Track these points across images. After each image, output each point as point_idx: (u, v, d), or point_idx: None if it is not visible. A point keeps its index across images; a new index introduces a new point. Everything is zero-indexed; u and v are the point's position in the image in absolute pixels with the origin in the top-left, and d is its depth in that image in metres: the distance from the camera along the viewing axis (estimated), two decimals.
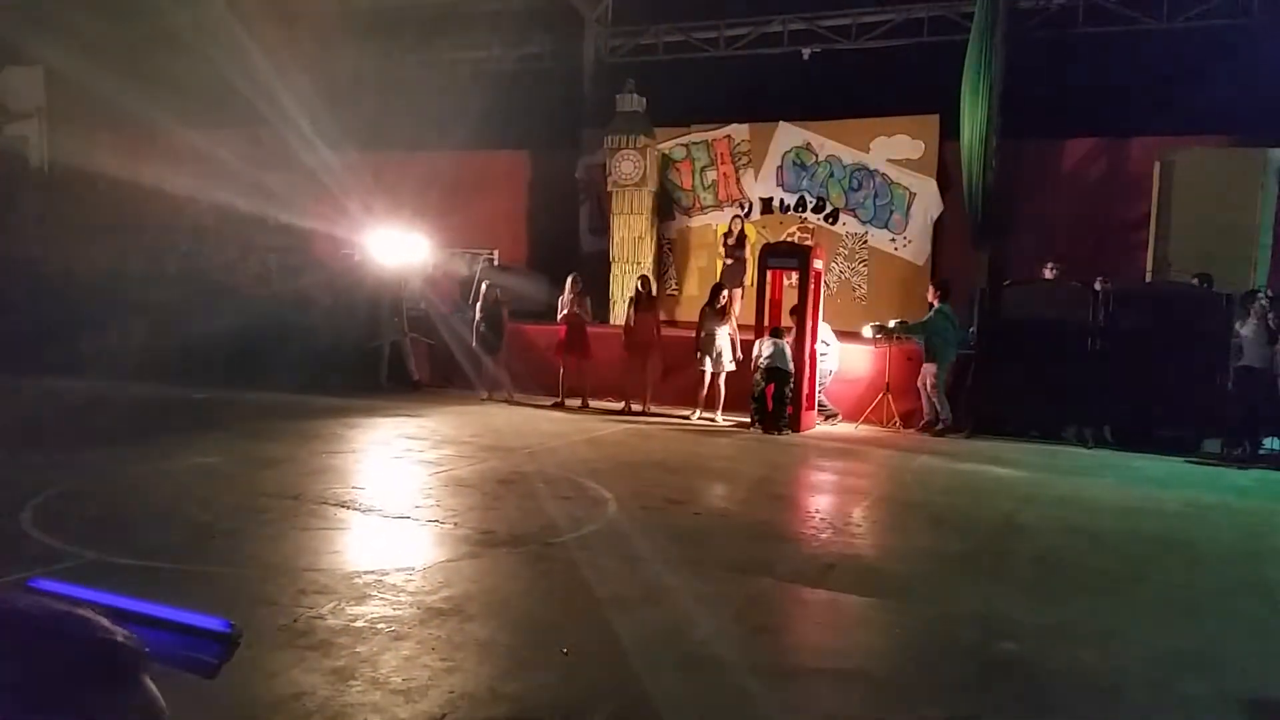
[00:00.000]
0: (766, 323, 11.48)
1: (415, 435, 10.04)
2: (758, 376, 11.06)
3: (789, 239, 13.97)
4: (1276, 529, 7.60)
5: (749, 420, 11.15)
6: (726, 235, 13.81)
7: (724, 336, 11.47)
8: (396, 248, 13.65)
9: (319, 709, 3.80)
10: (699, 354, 11.52)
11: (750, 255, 13.52)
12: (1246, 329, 10.20)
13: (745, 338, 11.69)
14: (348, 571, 5.54)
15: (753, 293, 12.20)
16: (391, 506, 7.09)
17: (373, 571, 5.49)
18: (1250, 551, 6.87)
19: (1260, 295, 10.37)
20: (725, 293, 12.07)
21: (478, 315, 12.60)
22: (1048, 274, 11.86)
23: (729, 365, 11.47)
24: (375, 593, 5.16)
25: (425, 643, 4.50)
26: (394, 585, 5.28)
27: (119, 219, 14.91)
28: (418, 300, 13.72)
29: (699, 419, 11.50)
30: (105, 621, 0.81)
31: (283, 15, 13.74)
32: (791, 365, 11.00)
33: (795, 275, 11.73)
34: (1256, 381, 9.95)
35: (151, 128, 14.48)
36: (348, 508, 6.99)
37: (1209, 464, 9.99)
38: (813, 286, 11.40)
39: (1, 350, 11.36)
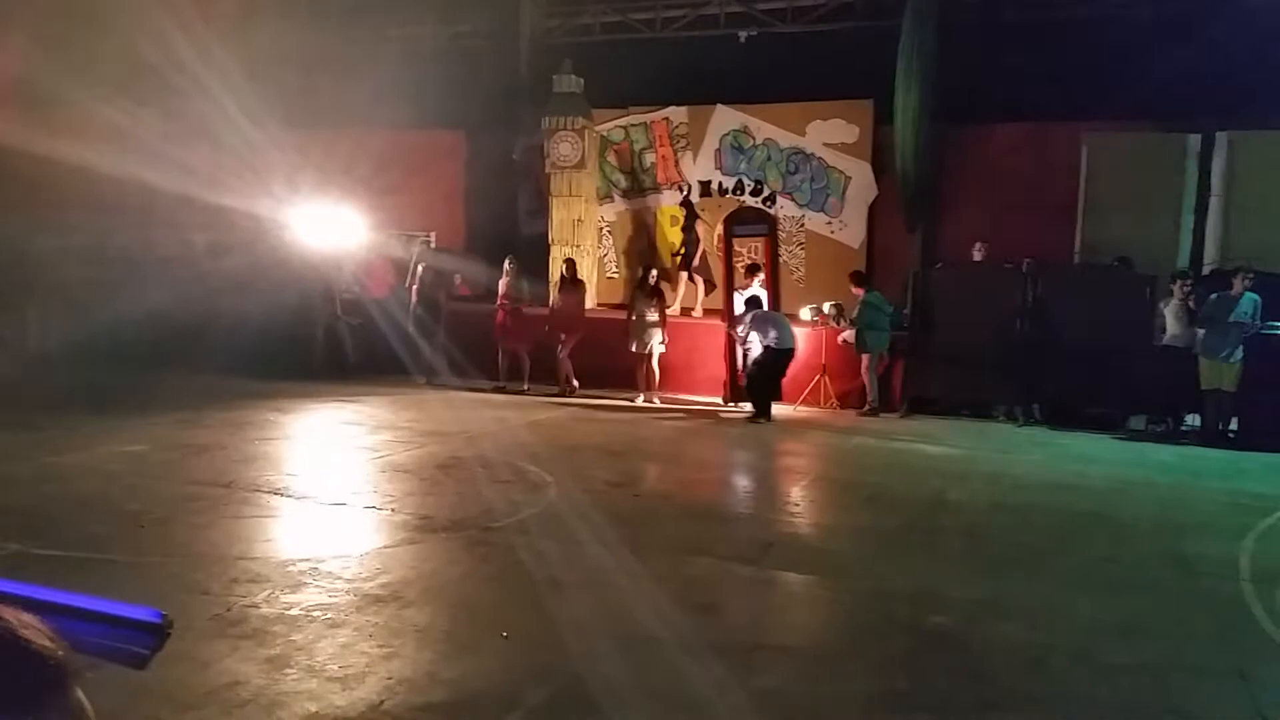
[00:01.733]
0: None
1: (351, 420, 9.90)
2: (760, 358, 10.73)
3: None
4: (1196, 503, 7.87)
5: (718, 404, 11.18)
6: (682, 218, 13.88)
7: (654, 317, 11.51)
8: (329, 228, 13.40)
9: (254, 697, 3.74)
10: (630, 335, 11.55)
11: (702, 237, 13.60)
12: (1169, 309, 10.54)
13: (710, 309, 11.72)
14: (282, 559, 5.45)
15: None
16: (327, 493, 6.99)
17: (308, 559, 5.42)
18: (1171, 525, 7.11)
19: (1181, 278, 10.71)
20: (655, 272, 12.09)
21: (413, 299, 12.45)
22: (976, 255, 12.13)
23: (659, 346, 11.53)
24: (311, 580, 5.09)
25: (362, 629, 4.46)
26: (330, 573, 5.21)
27: (33, 197, 14.38)
28: (351, 283, 13.49)
29: (643, 402, 11.53)
30: (31, 628, 0.77)
31: None
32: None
33: (760, 244, 11.86)
34: (1178, 360, 10.29)
35: (70, 104, 13.97)
36: (281, 495, 6.87)
37: (1134, 441, 10.31)
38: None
39: None
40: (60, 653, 0.76)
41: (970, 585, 5.53)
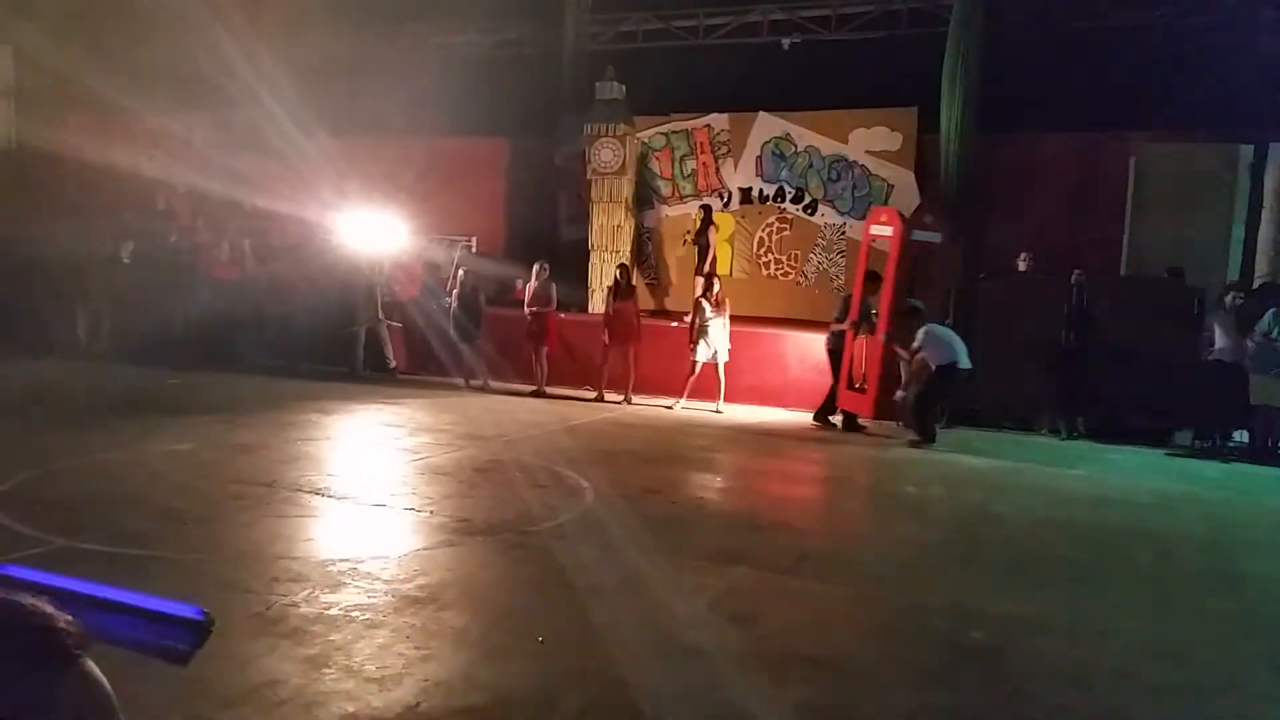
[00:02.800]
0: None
1: (391, 422, 9.99)
2: (932, 376, 9.94)
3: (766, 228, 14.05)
4: (1242, 521, 7.71)
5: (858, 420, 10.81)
6: (688, 231, 13.85)
7: (719, 327, 11.47)
8: (372, 233, 13.56)
9: (292, 696, 3.79)
10: (693, 344, 11.51)
11: (714, 243, 13.61)
12: (1218, 323, 10.33)
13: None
14: (322, 559, 5.52)
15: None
16: (367, 494, 7.06)
17: (347, 559, 5.47)
18: (1217, 542, 6.97)
19: (1233, 290, 10.50)
20: (719, 282, 12.04)
21: (454, 303, 12.55)
22: (1021, 265, 11.96)
23: (724, 356, 11.48)
24: (350, 580, 5.14)
25: (400, 631, 4.49)
26: (369, 573, 5.26)
27: (89, 201, 14.72)
28: (393, 286, 13.64)
29: (681, 408, 11.51)
30: (42, 607, 0.79)
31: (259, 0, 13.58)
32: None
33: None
34: (1227, 375, 10.08)
35: (122, 110, 14.29)
36: (322, 495, 6.95)
37: (1180, 456, 10.12)
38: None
39: None
40: (72, 629, 0.78)
41: (1010, 600, 5.45)
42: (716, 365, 11.45)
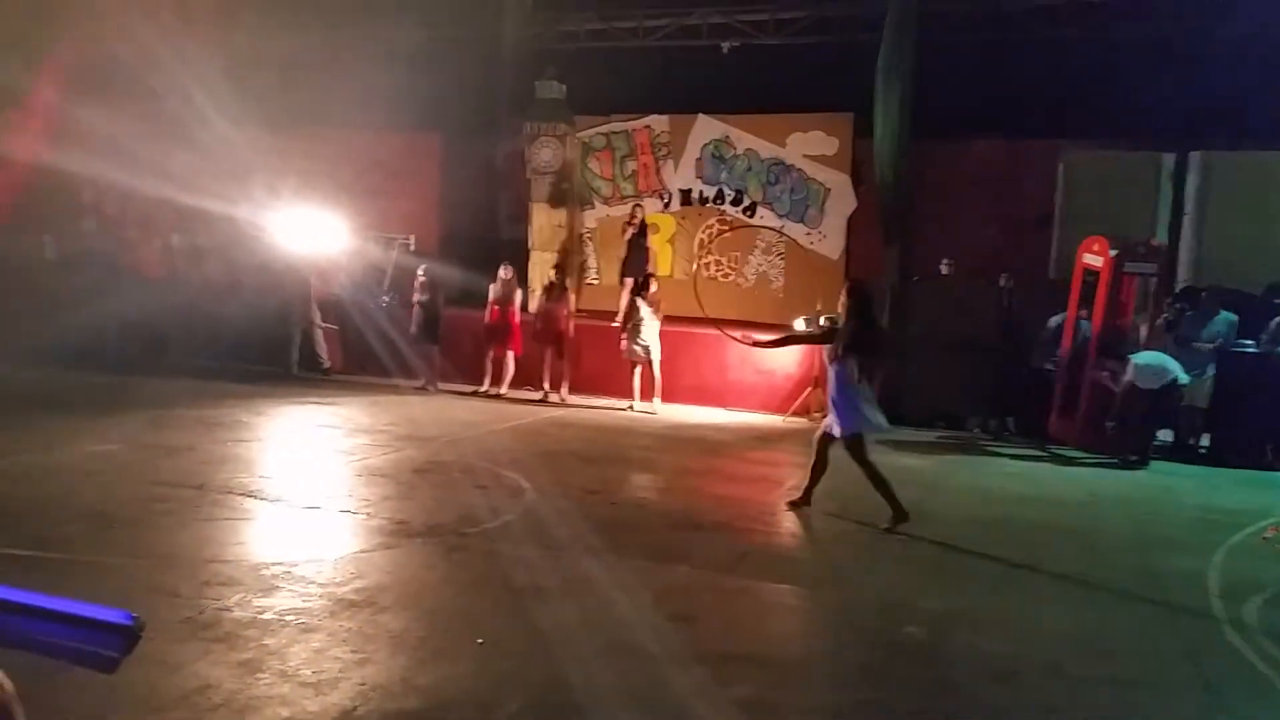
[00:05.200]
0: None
1: (327, 423, 9.84)
2: (1137, 396, 9.76)
3: (718, 229, 14.11)
4: (1168, 519, 7.97)
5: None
6: (628, 223, 13.72)
7: (651, 326, 11.52)
8: (307, 230, 13.33)
9: (225, 702, 3.71)
10: (624, 342, 11.56)
11: (654, 244, 13.64)
12: (1143, 327, 10.66)
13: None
14: (255, 563, 5.41)
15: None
16: (301, 496, 6.95)
17: (281, 563, 5.38)
18: (1142, 540, 7.20)
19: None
20: (655, 283, 12.08)
21: (416, 305, 12.39)
22: (943, 270, 12.24)
23: (657, 355, 11.54)
24: (284, 584, 5.05)
25: (336, 635, 4.43)
26: (304, 577, 5.18)
27: (11, 198, 14.23)
28: (330, 285, 13.42)
29: (638, 410, 11.53)
30: None
31: None
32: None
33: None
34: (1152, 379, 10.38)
35: (45, 104, 13.84)
36: (255, 497, 6.82)
37: (1107, 455, 10.40)
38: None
39: None
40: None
41: (942, 597, 5.57)
42: (651, 364, 11.52)
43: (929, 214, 13.41)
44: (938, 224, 13.29)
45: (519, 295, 12.41)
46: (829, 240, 13.91)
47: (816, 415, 11.48)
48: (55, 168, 13.58)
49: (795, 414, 11.64)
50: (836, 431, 6.98)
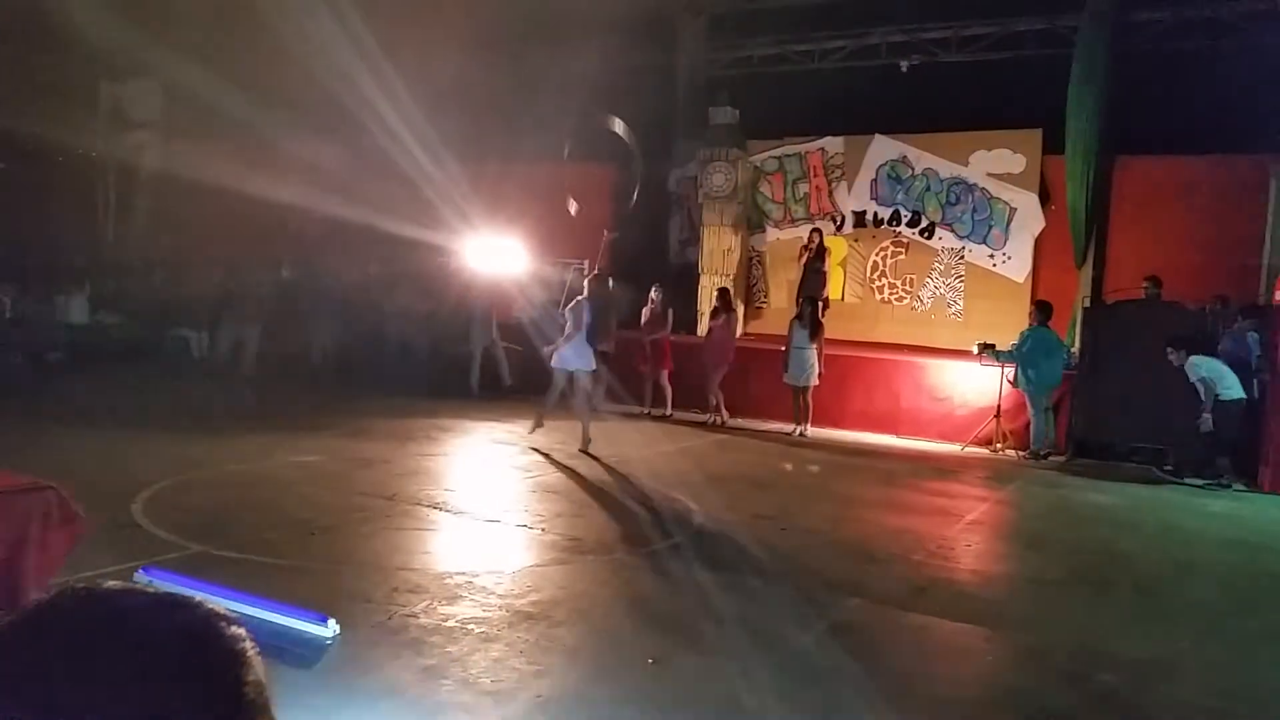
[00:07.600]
0: None
1: (506, 441, 10.20)
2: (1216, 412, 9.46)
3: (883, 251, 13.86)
4: None
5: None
6: (804, 249, 13.62)
7: (810, 351, 11.38)
8: (490, 256, 13.89)
9: (411, 706, 3.89)
10: (785, 367, 11.48)
11: (831, 268, 13.44)
12: None
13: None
14: (439, 571, 5.66)
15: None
16: (482, 510, 7.22)
17: (464, 573, 5.60)
18: None
19: None
20: (820, 304, 11.94)
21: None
22: (1143, 292, 11.46)
23: (814, 380, 11.38)
24: (466, 594, 5.26)
25: (514, 645, 4.57)
26: (484, 587, 5.38)
27: (229, 227, 15.50)
28: (511, 307, 13.92)
29: (797, 434, 11.42)
30: (217, 609, 0.81)
31: (385, 28, 14.09)
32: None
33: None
34: None
35: (260, 139, 15.02)
36: (440, 509, 7.14)
37: None
38: None
39: (115, 349, 11.91)
40: (245, 633, 0.80)
41: (1140, 642, 5.21)
42: (806, 389, 11.36)
43: (1124, 234, 12.66)
44: (1134, 244, 12.52)
45: (670, 317, 12.50)
46: (1014, 262, 13.35)
47: (997, 447, 11.03)
48: (267, 197, 14.71)
49: (974, 444, 11.18)
50: None
